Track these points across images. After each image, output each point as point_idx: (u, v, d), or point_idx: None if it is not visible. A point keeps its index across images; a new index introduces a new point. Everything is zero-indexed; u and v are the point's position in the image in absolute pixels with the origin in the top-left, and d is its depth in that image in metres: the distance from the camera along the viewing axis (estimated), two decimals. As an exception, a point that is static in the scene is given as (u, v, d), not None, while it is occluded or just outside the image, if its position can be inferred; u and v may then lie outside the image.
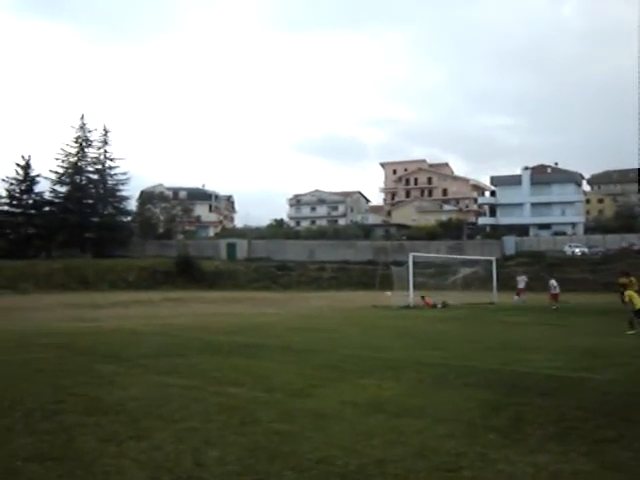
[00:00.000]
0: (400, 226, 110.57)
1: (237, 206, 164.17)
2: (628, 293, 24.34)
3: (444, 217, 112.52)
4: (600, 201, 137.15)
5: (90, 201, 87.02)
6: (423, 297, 37.34)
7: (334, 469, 6.12)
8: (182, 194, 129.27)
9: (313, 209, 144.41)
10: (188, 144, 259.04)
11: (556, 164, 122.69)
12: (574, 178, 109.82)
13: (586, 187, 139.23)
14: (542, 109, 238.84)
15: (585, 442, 7.17)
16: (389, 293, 33.42)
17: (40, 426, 7.85)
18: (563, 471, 6.12)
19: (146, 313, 31.59)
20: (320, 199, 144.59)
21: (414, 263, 38.97)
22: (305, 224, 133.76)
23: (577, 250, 78.36)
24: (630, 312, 22.50)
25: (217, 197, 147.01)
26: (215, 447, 6.89)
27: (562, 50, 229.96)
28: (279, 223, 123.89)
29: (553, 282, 37.10)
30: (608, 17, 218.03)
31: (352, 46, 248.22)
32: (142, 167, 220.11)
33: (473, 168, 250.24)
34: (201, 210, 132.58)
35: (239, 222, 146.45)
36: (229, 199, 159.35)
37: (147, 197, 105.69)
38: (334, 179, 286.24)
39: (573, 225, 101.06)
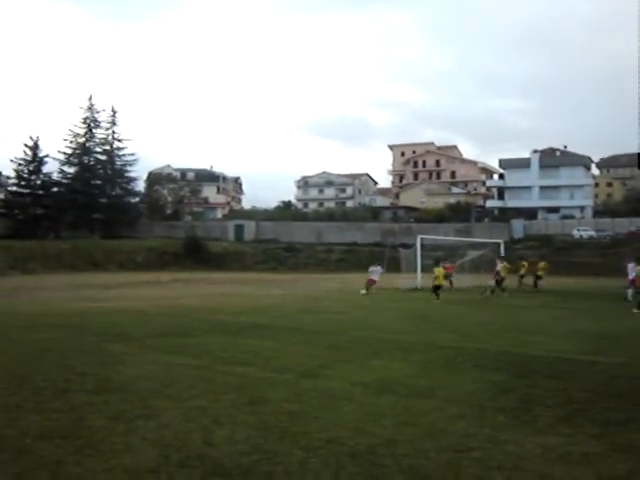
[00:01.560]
0: (408, 208, 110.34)
1: (245, 188, 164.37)
2: (436, 270, 28.43)
3: (452, 200, 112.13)
4: (609, 185, 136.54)
5: (98, 182, 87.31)
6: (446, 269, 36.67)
7: (344, 449, 6.12)
8: (190, 175, 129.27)
9: (321, 191, 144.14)
10: (196, 125, 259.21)
11: (565, 147, 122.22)
12: (583, 161, 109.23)
13: (595, 171, 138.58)
14: (551, 93, 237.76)
15: (594, 424, 7.17)
16: (363, 291, 32.32)
17: (50, 404, 7.87)
18: (572, 453, 6.11)
19: (154, 294, 31.64)
20: (328, 181, 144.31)
21: (422, 245, 38.94)
22: (313, 206, 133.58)
23: (585, 234, 78.17)
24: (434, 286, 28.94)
25: (225, 178, 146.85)
26: (224, 426, 6.91)
27: (571, 34, 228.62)
28: (287, 205, 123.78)
29: (378, 268, 34.71)
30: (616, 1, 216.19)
31: (361, 27, 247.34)
32: (150, 148, 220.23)
33: (482, 151, 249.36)
34: (209, 191, 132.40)
35: (247, 204, 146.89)
36: (237, 180, 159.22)
37: (155, 178, 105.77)
38: (342, 161, 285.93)
39: (582, 209, 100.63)
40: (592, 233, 78.29)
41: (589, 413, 7.67)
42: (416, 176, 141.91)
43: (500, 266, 32.75)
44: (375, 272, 34.13)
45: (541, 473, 5.56)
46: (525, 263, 39.73)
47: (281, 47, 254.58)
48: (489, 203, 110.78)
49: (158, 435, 6.58)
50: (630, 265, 27.88)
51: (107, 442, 6.31)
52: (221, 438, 6.47)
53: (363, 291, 32.49)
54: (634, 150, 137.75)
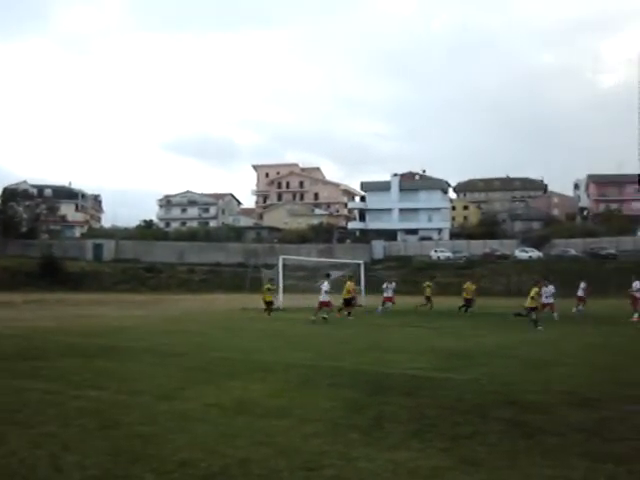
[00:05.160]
0: (272, 229, 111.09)
1: (105, 206, 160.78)
2: (348, 284, 31.92)
3: (315, 221, 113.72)
4: (465, 208, 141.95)
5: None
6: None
7: (197, 471, 6.07)
8: (47, 192, 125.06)
9: (184, 210, 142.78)
10: (55, 140, 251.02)
11: (424, 171, 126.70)
12: (440, 185, 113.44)
13: (452, 194, 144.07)
14: (413, 118, 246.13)
15: (443, 439, 7.41)
16: (325, 315, 27.80)
17: None
18: (421, 467, 6.28)
19: (6, 315, 30.31)
20: (191, 200, 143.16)
21: (285, 266, 39.18)
22: (175, 225, 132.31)
23: (442, 255, 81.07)
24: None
25: (84, 196, 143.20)
26: (74, 452, 6.69)
27: (433, 61, 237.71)
28: (148, 224, 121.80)
29: (324, 284, 29.29)
30: (475, 31, 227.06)
31: (228, 47, 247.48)
32: (5, 163, 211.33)
33: (345, 173, 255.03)
34: (67, 209, 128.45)
35: (106, 222, 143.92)
36: (96, 198, 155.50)
37: (10, 194, 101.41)
38: (206, 180, 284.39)
39: (439, 231, 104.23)
40: (449, 254, 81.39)
41: (439, 428, 7.92)
42: (280, 197, 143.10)
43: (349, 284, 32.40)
44: (323, 290, 28.95)
45: (391, 488, 5.70)
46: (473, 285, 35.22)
47: (143, 64, 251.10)
48: (351, 225, 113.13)
49: (4, 463, 6.31)
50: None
51: (-54, 472, 6.00)
52: (70, 464, 6.27)
53: (325, 315, 28.03)
54: (489, 175, 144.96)
